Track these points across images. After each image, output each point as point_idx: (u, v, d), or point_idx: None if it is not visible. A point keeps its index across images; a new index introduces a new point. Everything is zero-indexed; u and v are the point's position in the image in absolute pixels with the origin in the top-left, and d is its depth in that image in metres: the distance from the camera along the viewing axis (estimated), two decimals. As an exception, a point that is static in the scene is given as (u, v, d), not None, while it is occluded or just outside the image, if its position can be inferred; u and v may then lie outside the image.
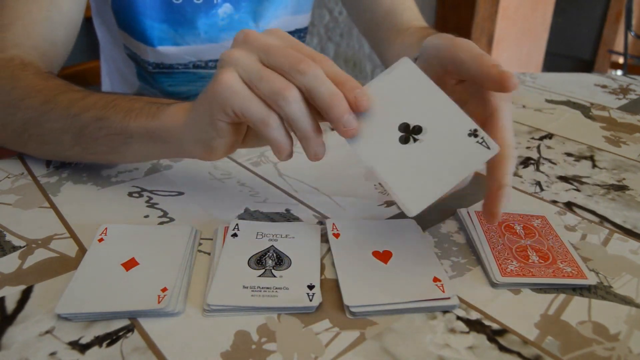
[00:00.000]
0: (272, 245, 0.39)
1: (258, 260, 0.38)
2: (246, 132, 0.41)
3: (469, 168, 0.35)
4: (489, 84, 0.36)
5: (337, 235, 0.41)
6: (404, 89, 0.37)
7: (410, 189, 0.35)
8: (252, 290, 0.35)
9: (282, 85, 0.34)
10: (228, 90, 0.35)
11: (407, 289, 0.35)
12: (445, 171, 0.35)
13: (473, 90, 0.40)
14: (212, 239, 0.41)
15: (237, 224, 0.42)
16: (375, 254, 0.39)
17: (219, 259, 0.38)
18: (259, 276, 0.36)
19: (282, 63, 0.35)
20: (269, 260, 0.38)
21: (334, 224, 0.42)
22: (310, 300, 0.34)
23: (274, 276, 0.36)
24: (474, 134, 0.35)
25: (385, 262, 0.38)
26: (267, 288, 0.35)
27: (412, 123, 0.36)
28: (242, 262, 0.37)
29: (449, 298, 0.35)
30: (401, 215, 0.45)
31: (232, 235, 0.40)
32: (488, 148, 0.34)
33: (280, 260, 0.38)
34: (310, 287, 0.35)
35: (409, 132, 0.36)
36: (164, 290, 0.34)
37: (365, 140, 0.36)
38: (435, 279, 0.36)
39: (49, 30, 0.57)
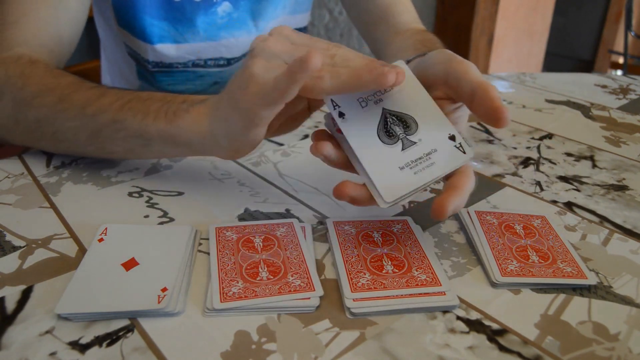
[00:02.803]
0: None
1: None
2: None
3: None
4: (483, 113, 0.36)
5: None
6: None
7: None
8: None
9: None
10: (258, 86, 0.35)
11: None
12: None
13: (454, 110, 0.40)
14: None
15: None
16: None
17: (211, 261, 0.38)
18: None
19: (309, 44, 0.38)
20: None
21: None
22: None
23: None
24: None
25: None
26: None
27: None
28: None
29: (443, 294, 0.35)
30: (402, 214, 0.45)
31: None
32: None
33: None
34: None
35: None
36: (164, 290, 0.34)
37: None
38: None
39: (56, 27, 0.57)
